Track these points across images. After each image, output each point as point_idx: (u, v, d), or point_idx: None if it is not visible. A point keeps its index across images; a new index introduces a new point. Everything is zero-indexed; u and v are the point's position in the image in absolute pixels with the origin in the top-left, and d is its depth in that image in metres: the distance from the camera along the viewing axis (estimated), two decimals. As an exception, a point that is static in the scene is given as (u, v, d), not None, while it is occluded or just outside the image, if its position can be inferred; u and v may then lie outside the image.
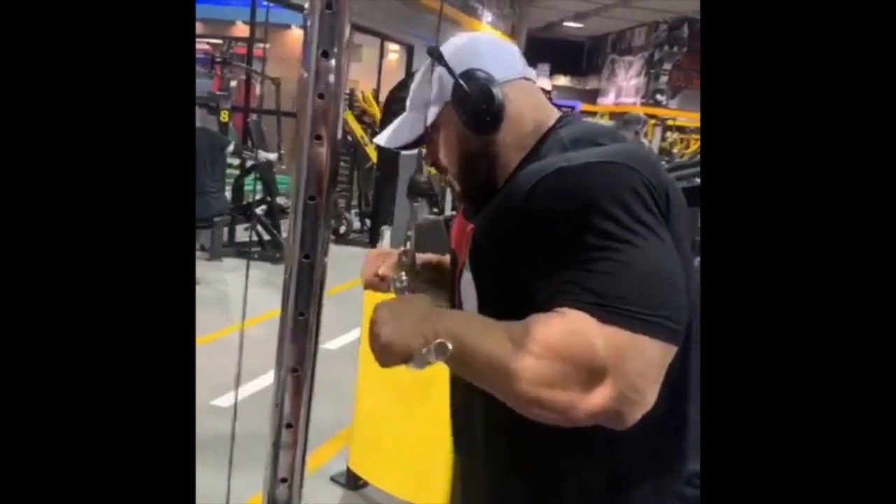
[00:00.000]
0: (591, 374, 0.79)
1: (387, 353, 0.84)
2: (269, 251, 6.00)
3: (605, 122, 12.36)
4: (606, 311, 0.80)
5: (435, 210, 3.09)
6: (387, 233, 1.20)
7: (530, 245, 0.89)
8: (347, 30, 0.80)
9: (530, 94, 1.04)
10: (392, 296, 1.09)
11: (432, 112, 1.04)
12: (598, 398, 0.79)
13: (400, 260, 1.15)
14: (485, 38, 1.08)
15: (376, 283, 1.20)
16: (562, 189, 0.88)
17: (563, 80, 19.67)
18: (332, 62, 0.79)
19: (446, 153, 1.05)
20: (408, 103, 1.09)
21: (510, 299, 0.91)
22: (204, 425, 0.91)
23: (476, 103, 0.99)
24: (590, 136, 0.97)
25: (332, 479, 2.74)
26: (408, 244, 1.14)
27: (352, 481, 2.69)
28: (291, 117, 5.67)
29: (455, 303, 1.07)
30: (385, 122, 2.81)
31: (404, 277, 1.10)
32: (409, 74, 2.60)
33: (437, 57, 1.01)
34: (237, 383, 0.96)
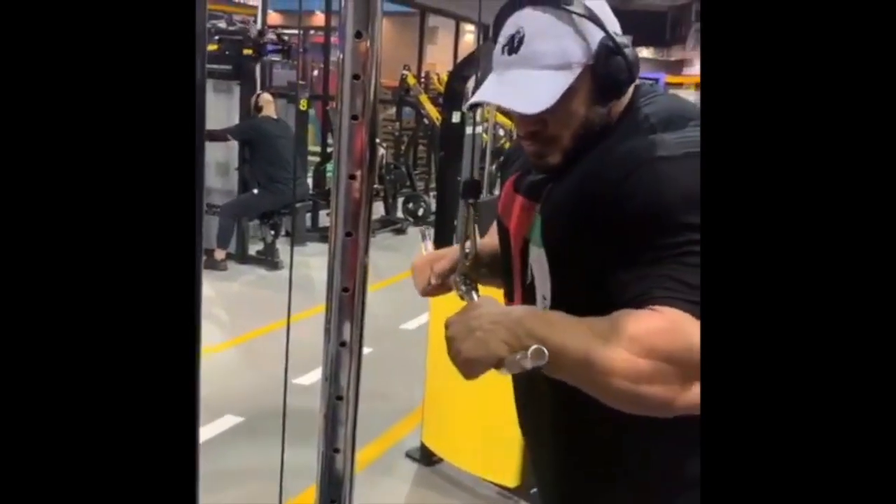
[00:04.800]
0: (692, 371, 0.78)
1: (471, 367, 0.85)
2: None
3: (691, 92, 11.89)
4: None
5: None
6: (430, 234, 1.16)
7: (622, 234, 0.86)
8: (380, 10, 0.81)
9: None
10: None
11: (574, 73, 0.91)
12: (695, 395, 0.79)
13: (461, 262, 1.07)
14: None
15: (433, 290, 1.17)
16: (662, 181, 0.85)
17: (645, 52, 19.07)
18: (367, 42, 0.80)
19: (566, 121, 0.93)
20: (531, 57, 0.92)
21: (591, 282, 0.90)
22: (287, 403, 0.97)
23: (623, 71, 0.91)
24: (679, 117, 0.92)
25: (408, 454, 2.81)
26: (467, 245, 1.05)
27: (426, 457, 2.74)
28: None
29: (515, 281, 1.06)
30: (448, 100, 2.80)
31: (468, 280, 1.05)
32: (471, 53, 2.59)
33: (589, 15, 0.90)
34: (286, 366, 1.00)
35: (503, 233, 1.10)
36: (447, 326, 0.89)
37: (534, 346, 0.79)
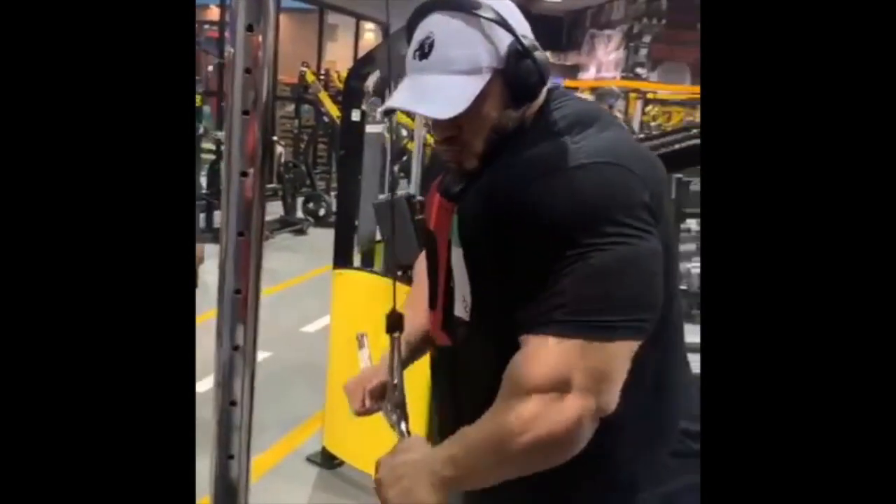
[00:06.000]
0: (559, 388, 0.84)
1: None
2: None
3: (587, 96, 12.28)
4: (566, 326, 0.85)
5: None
6: (367, 341, 1.15)
7: (519, 243, 0.89)
8: (273, 2, 0.79)
9: None
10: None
11: (485, 77, 0.93)
12: (571, 406, 0.84)
13: (389, 392, 1.10)
14: None
15: (367, 412, 1.18)
16: (553, 196, 0.87)
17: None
18: (259, 37, 0.78)
19: (480, 125, 0.95)
20: (442, 62, 0.93)
21: (501, 284, 0.93)
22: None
23: (533, 74, 0.93)
24: (588, 120, 0.95)
25: (308, 459, 2.76)
26: (395, 381, 1.08)
27: (327, 461, 2.71)
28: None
29: (439, 284, 1.06)
30: (347, 98, 2.78)
31: (397, 410, 1.08)
32: (371, 51, 2.60)
33: (498, 20, 0.91)
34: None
35: (428, 236, 1.10)
36: (376, 468, 0.94)
37: None
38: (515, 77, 0.92)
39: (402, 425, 1.06)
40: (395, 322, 1.06)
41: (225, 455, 0.87)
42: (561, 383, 0.84)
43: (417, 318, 1.15)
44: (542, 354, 0.85)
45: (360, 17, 10.91)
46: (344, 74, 8.14)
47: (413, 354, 1.20)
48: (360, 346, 1.24)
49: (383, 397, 1.12)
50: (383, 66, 2.52)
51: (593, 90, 13.84)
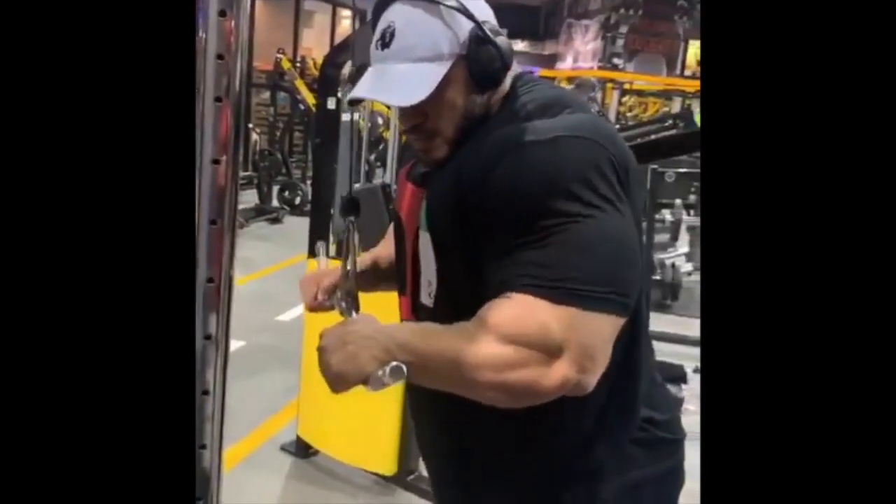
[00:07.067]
0: (549, 351, 0.83)
1: (340, 381, 0.87)
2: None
3: (563, 86, 12.30)
4: (560, 292, 0.83)
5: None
6: (322, 250, 1.20)
7: (492, 219, 0.89)
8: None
9: None
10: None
11: (447, 64, 0.93)
12: (557, 372, 0.83)
13: (342, 280, 1.09)
14: None
15: (319, 306, 1.17)
16: (528, 166, 0.87)
17: (520, 46, 19.51)
18: (231, 22, 0.77)
19: (445, 112, 0.95)
20: (403, 50, 0.93)
21: (469, 266, 0.92)
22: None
23: (495, 60, 0.93)
24: (557, 104, 0.95)
25: (283, 448, 2.75)
26: (348, 267, 1.08)
27: (301, 450, 2.70)
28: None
29: (407, 270, 1.06)
30: (322, 86, 2.76)
31: (349, 298, 1.07)
32: (346, 39, 2.59)
33: (458, 7, 0.92)
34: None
35: (397, 222, 1.10)
36: (321, 337, 0.90)
37: (392, 364, 0.84)
38: (477, 63, 0.93)
39: (353, 312, 1.05)
40: (350, 206, 1.07)
41: (197, 445, 0.87)
42: (553, 347, 0.82)
43: (390, 248, 1.15)
44: (533, 311, 0.83)
45: (336, 4, 10.82)
46: (320, 61, 8.09)
47: (379, 277, 1.20)
48: (318, 254, 1.27)
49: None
50: (357, 55, 2.50)
51: (571, 80, 13.89)
